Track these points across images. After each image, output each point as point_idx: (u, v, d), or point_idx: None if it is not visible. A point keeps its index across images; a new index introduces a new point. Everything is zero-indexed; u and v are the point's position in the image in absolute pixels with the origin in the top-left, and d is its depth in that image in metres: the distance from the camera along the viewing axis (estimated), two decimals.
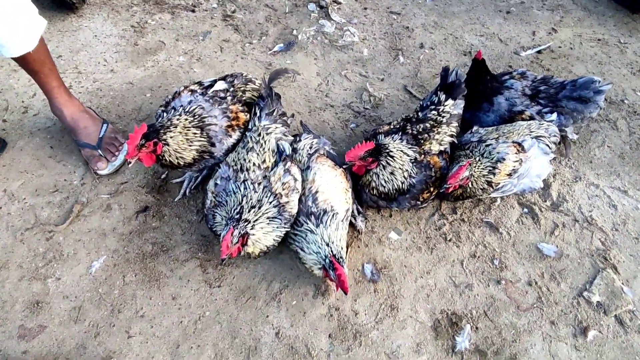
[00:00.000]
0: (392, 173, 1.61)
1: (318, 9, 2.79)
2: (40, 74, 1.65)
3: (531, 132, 1.73)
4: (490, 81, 1.93)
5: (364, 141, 1.60)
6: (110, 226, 1.68)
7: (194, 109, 1.60)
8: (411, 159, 1.64)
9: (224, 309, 1.51)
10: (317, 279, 1.57)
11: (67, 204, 1.74)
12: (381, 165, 1.62)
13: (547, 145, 1.74)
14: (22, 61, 1.60)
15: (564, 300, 1.59)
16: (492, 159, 1.66)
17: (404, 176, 1.62)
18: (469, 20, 2.70)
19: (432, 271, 1.64)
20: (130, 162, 1.43)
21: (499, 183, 1.68)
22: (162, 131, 1.49)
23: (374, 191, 1.66)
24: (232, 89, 1.75)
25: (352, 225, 1.71)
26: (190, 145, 1.56)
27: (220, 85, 1.72)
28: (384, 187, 1.63)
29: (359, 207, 1.76)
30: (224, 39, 2.57)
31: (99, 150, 1.79)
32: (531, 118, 1.84)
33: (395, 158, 1.61)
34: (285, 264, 1.62)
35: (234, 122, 1.67)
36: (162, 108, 1.65)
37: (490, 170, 1.65)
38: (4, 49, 1.49)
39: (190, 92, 1.67)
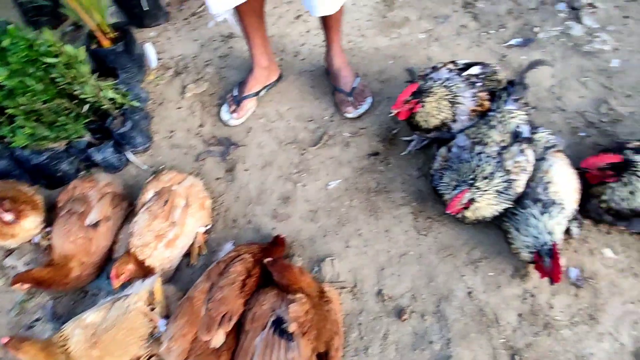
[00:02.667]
0: (632, 192, 1.55)
1: (568, 9, 2.67)
2: (332, 29, 2.08)
3: None
4: None
5: (607, 153, 1.57)
6: (346, 159, 2.06)
7: (452, 86, 1.80)
8: None
9: (426, 254, 1.74)
10: (517, 261, 1.66)
11: (318, 132, 2.18)
12: (622, 182, 1.56)
13: None
14: (324, 18, 2.03)
15: None
16: None
17: None
18: None
19: None
20: (392, 113, 1.73)
21: None
22: (424, 94, 1.75)
23: (604, 204, 1.62)
24: (482, 75, 1.88)
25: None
26: (438, 114, 1.78)
27: (475, 70, 1.87)
28: (617, 204, 1.58)
29: (576, 212, 1.74)
30: (461, 25, 2.71)
31: (350, 97, 2.18)
32: None
33: None
34: (490, 238, 1.75)
35: (478, 108, 1.81)
36: (421, 79, 1.89)
37: None
38: (316, 9, 1.88)
39: (448, 70, 1.87)
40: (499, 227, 1.69)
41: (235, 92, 2.30)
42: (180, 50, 2.76)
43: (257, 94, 2.31)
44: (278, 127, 2.25)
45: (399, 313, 1.63)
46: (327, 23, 2.05)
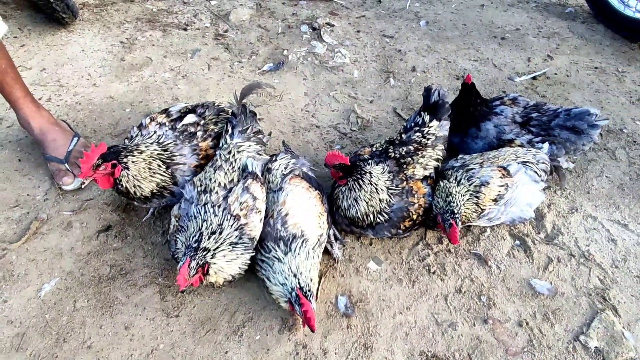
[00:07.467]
0: (355, 200, 1.50)
1: (310, 30, 2.77)
2: (3, 83, 1.59)
3: (517, 157, 1.63)
4: (480, 105, 1.85)
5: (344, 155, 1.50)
6: (68, 246, 1.57)
7: (168, 144, 1.53)
8: (381, 199, 1.49)
9: (180, 342, 1.37)
10: (285, 311, 1.44)
11: (26, 220, 1.64)
12: (348, 187, 1.51)
13: (536, 172, 1.63)
14: None
15: (558, 345, 1.43)
16: (474, 183, 1.55)
17: (367, 210, 1.49)
18: (463, 45, 2.66)
19: (413, 307, 1.50)
20: (84, 183, 1.34)
21: (483, 209, 1.56)
22: (124, 153, 1.40)
23: (342, 212, 1.55)
24: (202, 122, 1.65)
25: (328, 252, 1.59)
26: (151, 176, 1.46)
27: (190, 118, 1.63)
28: (347, 210, 1.52)
29: (337, 233, 1.64)
30: (213, 57, 2.54)
31: (66, 165, 1.71)
32: (521, 147, 1.74)
33: (362, 188, 1.47)
34: (252, 293, 1.49)
35: (202, 162, 1.57)
36: (128, 140, 1.56)
37: (473, 195, 1.54)
38: None
39: (158, 125, 1.59)
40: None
41: None
42: None
43: None
44: None
45: None
46: None
